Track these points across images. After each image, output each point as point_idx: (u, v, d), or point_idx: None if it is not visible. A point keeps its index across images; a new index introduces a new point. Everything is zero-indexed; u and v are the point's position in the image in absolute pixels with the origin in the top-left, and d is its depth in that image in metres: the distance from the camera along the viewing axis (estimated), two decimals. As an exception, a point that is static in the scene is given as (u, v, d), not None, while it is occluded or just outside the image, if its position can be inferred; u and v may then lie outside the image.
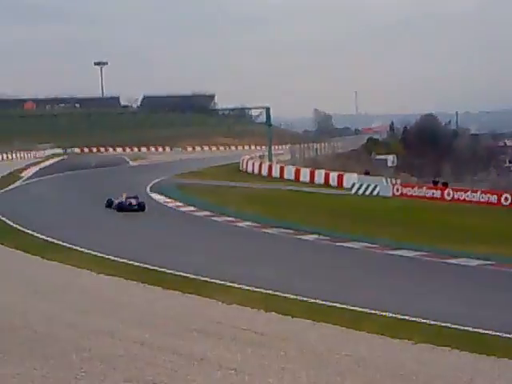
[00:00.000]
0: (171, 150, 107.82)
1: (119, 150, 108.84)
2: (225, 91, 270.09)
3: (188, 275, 16.91)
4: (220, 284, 16.02)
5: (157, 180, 48.42)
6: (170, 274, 17.19)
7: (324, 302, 14.31)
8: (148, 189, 42.09)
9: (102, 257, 19.66)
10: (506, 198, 38.38)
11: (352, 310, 13.80)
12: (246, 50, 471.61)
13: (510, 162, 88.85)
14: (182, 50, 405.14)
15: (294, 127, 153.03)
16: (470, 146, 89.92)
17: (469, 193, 40.38)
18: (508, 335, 12.04)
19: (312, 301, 14.43)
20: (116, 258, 19.32)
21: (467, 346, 11.31)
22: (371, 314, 13.50)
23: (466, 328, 12.50)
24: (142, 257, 19.24)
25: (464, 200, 39.72)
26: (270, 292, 15.18)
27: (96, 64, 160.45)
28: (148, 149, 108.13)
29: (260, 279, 16.51)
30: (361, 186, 43.80)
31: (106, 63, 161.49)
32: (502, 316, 13.68)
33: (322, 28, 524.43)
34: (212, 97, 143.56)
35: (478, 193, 40.14)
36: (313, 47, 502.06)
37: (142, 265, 18.32)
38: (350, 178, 46.75)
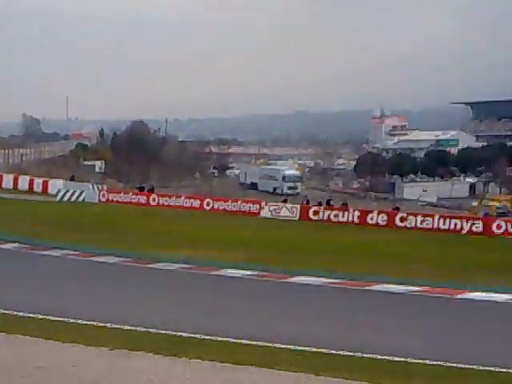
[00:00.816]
0: None
1: None
2: None
3: None
4: None
5: None
6: None
7: (19, 313, 13.79)
8: None
9: None
10: (208, 203, 40.18)
11: (45, 319, 13.44)
12: None
13: (214, 168, 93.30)
14: None
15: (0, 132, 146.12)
16: (177, 153, 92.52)
17: (173, 198, 41.60)
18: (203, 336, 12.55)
19: (4, 312, 13.83)
20: None
21: (160, 349, 11.57)
22: (66, 322, 13.27)
23: (164, 332, 12.79)
24: None
25: (169, 205, 40.84)
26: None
27: None
28: None
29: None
30: (66, 192, 43.11)
31: None
32: (196, 318, 14.24)
33: (29, 31, 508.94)
34: None
35: (182, 198, 41.53)
36: (23, 48, 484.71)
37: None
38: (56, 185, 45.79)
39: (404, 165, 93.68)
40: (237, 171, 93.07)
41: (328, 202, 41.85)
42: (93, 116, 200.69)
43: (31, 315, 13.70)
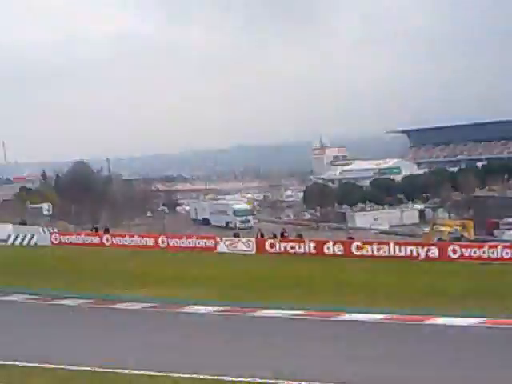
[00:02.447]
0: None
1: None
2: None
3: None
4: None
5: None
6: None
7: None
8: None
9: None
10: (163, 241, 39.86)
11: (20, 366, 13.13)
12: None
13: (163, 205, 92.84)
14: None
15: None
16: (124, 192, 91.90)
17: (127, 237, 41.18)
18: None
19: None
20: None
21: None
22: (37, 367, 12.95)
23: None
24: None
25: (123, 245, 40.38)
26: None
27: None
28: None
29: None
30: (17, 236, 42.34)
31: None
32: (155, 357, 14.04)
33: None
34: None
35: (136, 237, 41.14)
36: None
37: None
38: (5, 229, 44.86)
39: (351, 194, 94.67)
40: (187, 207, 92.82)
41: (282, 234, 41.81)
42: (31, 159, 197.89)
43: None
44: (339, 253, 35.37)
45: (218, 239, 38.96)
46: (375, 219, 77.28)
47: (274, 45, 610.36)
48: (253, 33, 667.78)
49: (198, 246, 38.94)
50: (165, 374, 12.21)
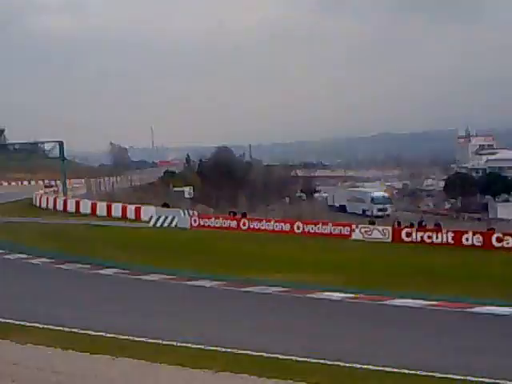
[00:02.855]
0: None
1: None
2: (16, 126, 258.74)
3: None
4: (15, 324, 15.27)
5: None
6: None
7: (124, 337, 14.05)
8: None
9: None
10: (298, 227, 40.12)
11: (152, 342, 13.65)
12: (36, 84, 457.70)
13: (301, 192, 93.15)
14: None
15: (90, 161, 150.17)
16: (263, 177, 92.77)
17: (263, 222, 41.73)
18: (305, 359, 12.44)
19: (111, 336, 14.13)
20: None
21: (264, 371, 11.55)
22: (171, 345, 13.42)
23: (262, 354, 12.77)
24: None
25: (259, 229, 40.97)
26: (68, 330, 14.69)
27: None
28: None
29: (58, 317, 15.91)
30: (159, 218, 43.85)
31: None
32: (298, 340, 14.18)
33: (116, 60, 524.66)
34: (1, 131, 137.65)
35: (272, 222, 41.60)
36: (108, 80, 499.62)
37: None
38: (148, 211, 46.63)
39: (495, 184, 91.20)
40: (324, 194, 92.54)
41: (420, 224, 41.14)
42: (176, 144, 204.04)
43: (138, 339, 13.94)
44: (478, 244, 34.31)
45: (354, 226, 38.74)
46: (519, 210, 74.12)
47: (425, 33, 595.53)
48: (405, 20, 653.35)
49: (333, 232, 38.89)
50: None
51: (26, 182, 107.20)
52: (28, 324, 15.25)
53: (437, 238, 35.65)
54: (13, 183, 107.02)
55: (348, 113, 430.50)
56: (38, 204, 59.56)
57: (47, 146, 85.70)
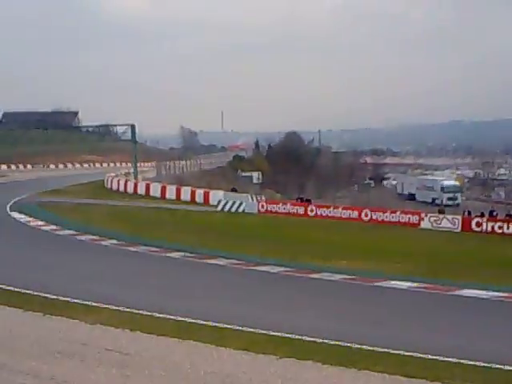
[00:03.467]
0: (33, 167, 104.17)
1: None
2: (89, 108, 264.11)
3: (49, 296, 16.43)
4: (84, 304, 15.67)
5: (17, 198, 46.64)
6: (33, 295, 16.62)
7: (192, 320, 14.27)
8: (8, 208, 40.51)
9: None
10: (366, 214, 39.83)
11: (219, 327, 13.81)
12: (110, 67, 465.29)
13: (369, 179, 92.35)
14: (43, 66, 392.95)
15: (160, 144, 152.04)
16: (332, 164, 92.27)
17: (331, 209, 41.57)
18: (369, 347, 12.43)
19: (179, 319, 14.37)
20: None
21: (330, 358, 11.58)
22: (237, 330, 13.58)
23: (327, 341, 12.80)
24: (3, 278, 18.52)
25: (327, 216, 40.84)
26: (136, 311, 14.99)
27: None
28: (8, 166, 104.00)
29: (127, 299, 16.25)
30: (227, 202, 44.18)
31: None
32: (363, 329, 14.15)
33: (187, 44, 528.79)
34: (75, 113, 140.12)
35: (340, 209, 41.40)
36: (179, 65, 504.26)
37: (3, 287, 17.61)
38: (216, 195, 47.03)
39: None
40: (393, 182, 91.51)
41: (491, 213, 40.37)
42: (246, 128, 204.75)
43: (203, 322, 14.13)
44: (552, 236, 33.53)
45: (423, 215, 38.25)
46: None
47: (498, 19, 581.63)
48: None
49: (401, 221, 38.49)
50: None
51: (98, 165, 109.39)
52: (97, 304, 15.63)
53: (508, 228, 34.94)
54: (85, 165, 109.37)
55: (419, 99, 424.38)
56: (109, 186, 60.74)
57: (120, 129, 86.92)
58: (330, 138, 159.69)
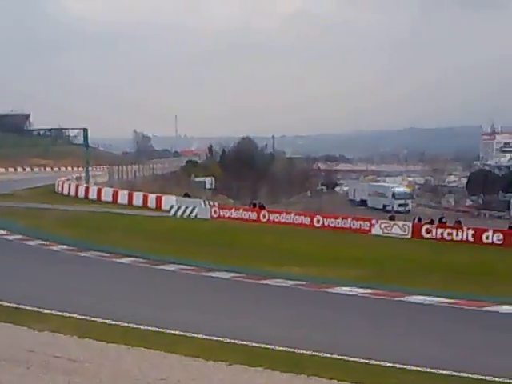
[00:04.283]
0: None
1: None
2: (42, 111, 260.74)
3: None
4: (33, 311, 15.44)
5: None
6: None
7: (140, 326, 14.18)
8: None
9: None
10: (318, 220, 40.05)
11: (168, 333, 13.75)
12: (63, 72, 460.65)
13: (322, 185, 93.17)
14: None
15: (113, 148, 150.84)
16: (285, 170, 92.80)
17: (283, 214, 41.71)
18: (318, 353, 12.50)
19: (128, 326, 14.26)
20: None
21: (280, 365, 11.62)
22: (187, 336, 13.54)
23: (279, 348, 12.84)
24: None
25: (279, 222, 40.97)
26: (86, 318, 14.84)
27: None
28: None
29: (76, 305, 16.07)
30: (179, 208, 44.02)
31: None
32: (312, 335, 14.23)
33: (141, 49, 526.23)
34: (27, 116, 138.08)
35: (292, 214, 41.56)
36: (134, 69, 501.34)
37: None
38: (169, 200, 46.86)
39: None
40: (345, 188, 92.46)
41: (440, 220, 40.93)
42: (200, 133, 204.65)
43: (154, 329, 14.06)
44: (498, 242, 34.07)
45: (374, 221, 38.63)
46: (541, 209, 73.45)
47: (454, 28, 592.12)
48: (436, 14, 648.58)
49: (353, 227, 38.78)
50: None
51: (49, 169, 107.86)
52: (45, 311, 15.42)
53: (457, 235, 35.47)
54: (36, 169, 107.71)
55: (373, 107, 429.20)
56: (60, 191, 59.92)
57: (72, 133, 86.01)
58: (283, 143, 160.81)
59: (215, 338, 13.41)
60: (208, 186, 73.93)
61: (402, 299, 18.95)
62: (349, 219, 39.64)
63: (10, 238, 30.06)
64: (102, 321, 14.66)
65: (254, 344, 13.08)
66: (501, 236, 34.42)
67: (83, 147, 67.66)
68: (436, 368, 11.79)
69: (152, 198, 49.27)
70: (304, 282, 21.10)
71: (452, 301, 18.69)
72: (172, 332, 13.82)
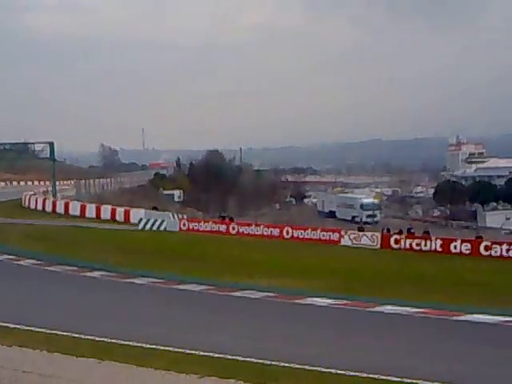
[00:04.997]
0: None
1: None
2: (6, 125, 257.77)
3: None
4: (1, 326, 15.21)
5: None
6: None
7: (110, 340, 14.02)
8: None
9: None
10: (288, 232, 40.14)
11: (138, 346, 13.61)
12: (30, 83, 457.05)
13: (291, 197, 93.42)
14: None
15: (80, 162, 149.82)
16: (254, 182, 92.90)
17: (253, 227, 41.75)
18: (289, 364, 12.45)
19: (98, 339, 14.09)
20: None
21: (251, 377, 11.55)
22: (158, 350, 13.40)
23: (249, 359, 12.77)
24: None
25: (249, 234, 40.99)
26: (54, 332, 14.64)
27: None
28: None
29: (44, 320, 15.85)
30: (148, 221, 43.82)
31: None
32: (282, 346, 14.18)
33: (108, 62, 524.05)
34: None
35: (262, 227, 41.62)
36: (100, 82, 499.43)
37: None
38: (137, 214, 46.63)
39: (484, 193, 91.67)
40: (314, 200, 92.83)
41: (409, 231, 41.28)
42: (167, 146, 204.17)
43: (124, 343, 13.92)
44: (466, 252, 34.43)
45: (343, 232, 38.82)
46: (507, 219, 74.41)
47: (415, 40, 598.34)
48: (395, 27, 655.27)
49: (322, 238, 38.96)
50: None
51: (15, 183, 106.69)
52: (12, 326, 15.19)
53: (425, 245, 35.77)
54: (1, 183, 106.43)
55: (340, 118, 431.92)
56: (27, 205, 59.27)
57: (38, 147, 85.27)
58: (251, 155, 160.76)
59: (186, 351, 13.29)
60: (176, 199, 73.82)
61: (372, 309, 19.00)
62: (318, 230, 39.80)
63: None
64: (69, 335, 14.43)
65: (224, 356, 12.98)
66: (469, 246, 34.78)
67: (50, 161, 67.01)
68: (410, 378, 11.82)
69: (120, 211, 48.96)
70: (274, 294, 21.06)
71: (421, 310, 18.77)
72: (143, 345, 13.67)
